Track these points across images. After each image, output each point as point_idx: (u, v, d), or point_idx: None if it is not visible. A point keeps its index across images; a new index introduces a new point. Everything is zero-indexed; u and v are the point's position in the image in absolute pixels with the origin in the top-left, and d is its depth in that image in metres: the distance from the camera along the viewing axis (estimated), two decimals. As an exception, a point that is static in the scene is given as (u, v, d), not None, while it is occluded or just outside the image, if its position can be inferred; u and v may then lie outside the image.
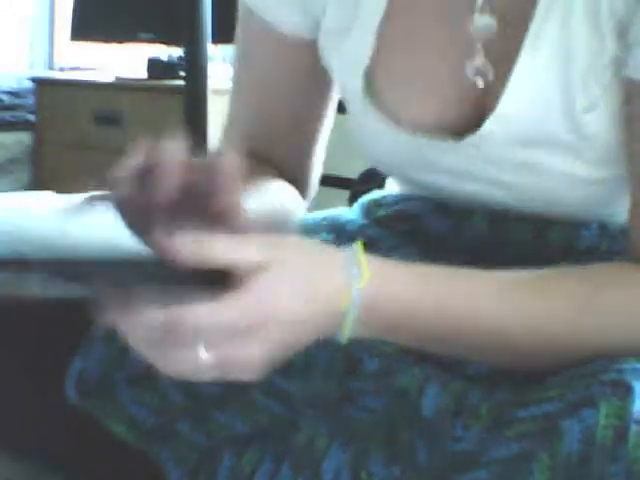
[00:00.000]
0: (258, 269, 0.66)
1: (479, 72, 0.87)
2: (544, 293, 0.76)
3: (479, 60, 0.87)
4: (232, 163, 0.72)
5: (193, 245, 0.65)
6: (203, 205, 0.70)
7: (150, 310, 0.63)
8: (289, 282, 0.67)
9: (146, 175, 0.71)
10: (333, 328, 0.71)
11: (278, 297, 0.66)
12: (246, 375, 0.67)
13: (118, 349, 0.85)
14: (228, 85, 1.08)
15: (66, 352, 0.86)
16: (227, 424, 0.82)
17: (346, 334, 0.71)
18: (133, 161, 0.71)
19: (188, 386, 0.83)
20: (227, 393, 0.83)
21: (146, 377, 0.85)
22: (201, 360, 0.65)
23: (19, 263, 0.63)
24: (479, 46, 0.87)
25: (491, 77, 0.87)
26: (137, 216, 0.72)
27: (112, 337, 0.85)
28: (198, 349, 0.64)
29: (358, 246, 0.71)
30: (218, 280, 0.65)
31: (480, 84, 0.87)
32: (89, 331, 0.86)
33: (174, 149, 0.71)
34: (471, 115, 0.88)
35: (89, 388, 0.85)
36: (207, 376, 0.66)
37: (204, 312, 0.64)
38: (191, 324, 0.64)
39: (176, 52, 3.45)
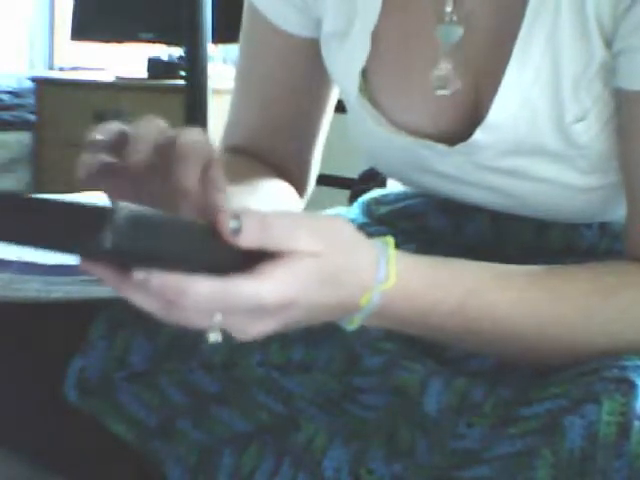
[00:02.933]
0: (301, 255, 0.65)
1: (444, 81, 0.87)
2: (557, 298, 0.77)
3: (443, 69, 0.87)
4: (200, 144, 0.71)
5: (258, 228, 0.64)
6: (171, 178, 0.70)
7: (195, 281, 0.62)
8: (322, 272, 0.67)
9: (114, 148, 0.71)
10: (344, 317, 0.71)
11: (308, 285, 0.66)
12: (246, 339, 0.67)
13: (118, 348, 0.85)
14: (228, 85, 1.08)
15: (66, 352, 0.86)
16: (227, 422, 0.82)
17: (354, 325, 0.72)
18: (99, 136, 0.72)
19: (188, 384, 0.83)
20: (227, 391, 0.83)
21: (146, 376, 0.84)
22: (214, 321, 0.64)
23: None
24: (443, 55, 0.87)
25: (457, 86, 0.87)
26: (113, 183, 0.72)
27: (112, 336, 0.85)
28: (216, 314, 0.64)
29: (389, 245, 0.71)
30: (250, 256, 0.64)
31: (444, 93, 0.87)
32: (89, 331, 0.86)
33: (145, 125, 0.72)
34: (464, 122, 0.88)
35: (89, 387, 0.85)
36: (209, 329, 0.66)
37: (239, 288, 0.63)
38: (227, 298, 0.63)
39: (176, 52, 3.46)
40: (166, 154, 0.71)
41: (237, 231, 0.63)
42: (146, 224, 0.59)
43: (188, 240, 0.63)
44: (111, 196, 0.74)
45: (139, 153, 0.70)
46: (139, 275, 0.61)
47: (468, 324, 0.75)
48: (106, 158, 0.71)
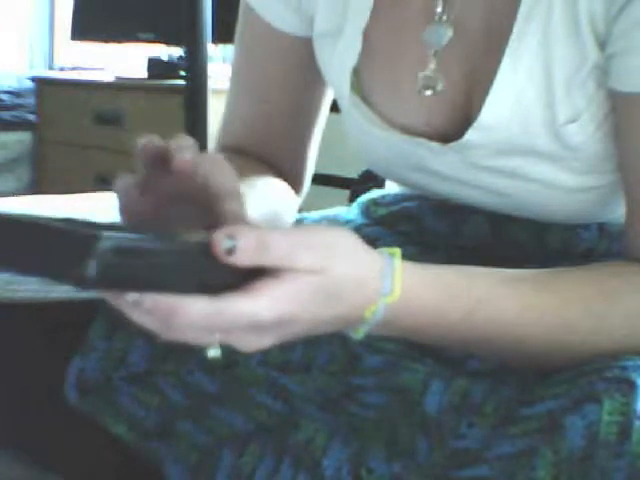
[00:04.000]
0: (300, 273, 0.65)
1: (429, 82, 0.87)
2: (563, 303, 0.76)
3: (429, 70, 0.87)
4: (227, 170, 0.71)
5: (254, 248, 0.63)
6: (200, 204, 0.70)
7: (187, 301, 0.61)
8: (325, 290, 0.66)
9: (152, 169, 0.71)
10: (349, 328, 0.71)
11: (307, 302, 0.65)
12: (247, 352, 0.66)
13: (118, 349, 0.85)
14: (228, 85, 1.08)
15: (66, 352, 0.86)
16: (227, 422, 0.82)
17: (359, 335, 0.71)
18: (147, 146, 0.71)
19: (187, 385, 0.83)
20: (227, 391, 0.83)
21: (145, 376, 0.84)
22: (212, 340, 0.64)
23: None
24: (430, 56, 0.87)
25: (440, 87, 0.87)
26: (137, 211, 0.72)
27: (112, 337, 0.85)
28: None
29: (396, 257, 0.71)
30: (249, 273, 0.64)
31: (429, 94, 0.87)
32: (88, 331, 0.86)
33: (181, 146, 0.71)
34: (457, 121, 0.88)
35: (89, 388, 0.85)
36: (208, 346, 0.66)
37: (234, 307, 0.62)
38: (222, 318, 0.62)
39: (176, 52, 3.45)
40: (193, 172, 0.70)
41: (232, 250, 0.62)
42: (132, 251, 0.58)
43: (181, 262, 0.62)
44: (126, 213, 0.73)
45: (182, 168, 0.70)
46: (131, 297, 0.61)
47: (475, 333, 0.75)
48: (146, 174, 0.71)
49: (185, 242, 0.64)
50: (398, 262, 0.70)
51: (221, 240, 0.62)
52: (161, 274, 0.60)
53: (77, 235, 0.56)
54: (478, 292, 0.74)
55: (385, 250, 0.71)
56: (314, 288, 0.65)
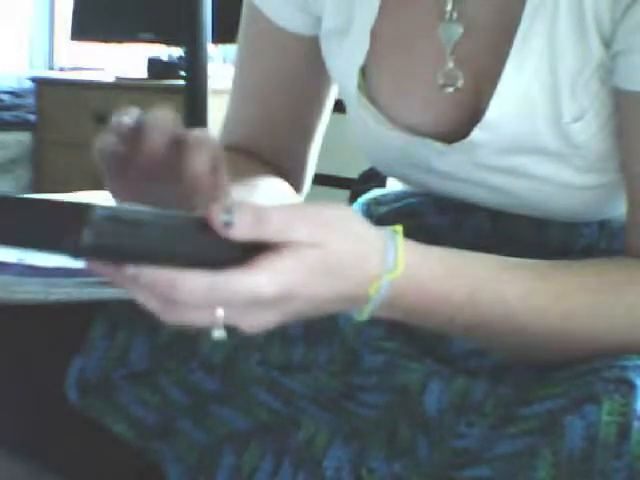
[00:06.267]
0: (300, 246, 0.65)
1: (449, 78, 0.87)
2: (565, 293, 0.77)
3: (448, 67, 0.87)
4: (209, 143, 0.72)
5: (252, 221, 0.63)
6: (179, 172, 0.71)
7: (186, 275, 0.61)
8: (325, 264, 0.66)
9: (132, 136, 0.72)
10: (353, 308, 0.71)
11: (308, 276, 0.65)
12: (251, 331, 0.66)
13: (118, 348, 0.85)
14: (228, 85, 1.08)
15: (66, 352, 0.86)
16: (228, 421, 0.82)
17: (364, 316, 0.71)
18: (122, 121, 0.72)
19: (188, 384, 0.83)
20: (227, 390, 0.83)
21: (146, 375, 0.85)
22: (216, 318, 0.64)
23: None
24: (443, 54, 0.87)
25: (460, 84, 0.87)
26: (122, 177, 0.73)
27: (112, 336, 0.85)
28: (217, 309, 0.63)
29: (398, 234, 0.71)
30: (251, 249, 0.64)
31: (449, 91, 0.87)
32: (89, 331, 0.86)
33: (161, 117, 0.72)
34: (463, 120, 0.89)
35: (89, 387, 0.85)
36: (213, 326, 0.65)
37: (235, 280, 0.62)
38: (222, 292, 0.62)
39: (176, 52, 3.46)
40: (176, 149, 0.71)
41: (229, 224, 0.62)
42: (128, 220, 0.58)
43: (179, 235, 0.61)
44: (116, 196, 0.74)
45: (156, 142, 0.71)
46: (130, 271, 0.61)
47: (477, 316, 0.74)
48: (120, 146, 0.72)
49: (182, 216, 0.64)
50: (400, 238, 0.70)
51: (218, 213, 0.62)
52: (157, 246, 0.60)
53: (72, 206, 0.57)
54: (480, 274, 0.75)
55: (387, 228, 0.71)
56: (314, 262, 0.65)
